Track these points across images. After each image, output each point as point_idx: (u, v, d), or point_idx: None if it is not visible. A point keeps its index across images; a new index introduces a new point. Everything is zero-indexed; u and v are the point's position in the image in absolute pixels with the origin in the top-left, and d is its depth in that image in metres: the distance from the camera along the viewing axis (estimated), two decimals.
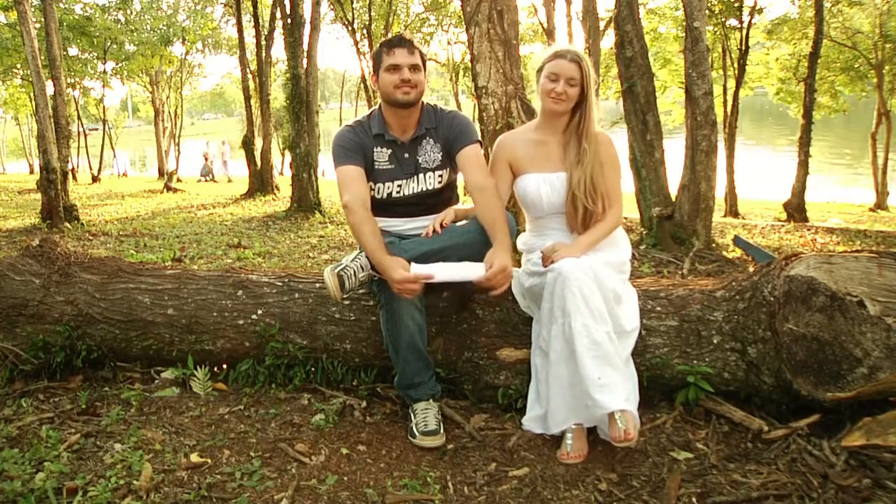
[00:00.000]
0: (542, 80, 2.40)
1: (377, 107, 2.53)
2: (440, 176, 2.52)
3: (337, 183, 2.44)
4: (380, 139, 2.48)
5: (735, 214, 13.42)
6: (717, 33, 14.23)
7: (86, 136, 23.69)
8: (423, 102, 2.52)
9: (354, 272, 2.33)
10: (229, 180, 21.75)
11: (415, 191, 2.50)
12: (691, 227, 5.82)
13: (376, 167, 2.49)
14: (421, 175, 2.50)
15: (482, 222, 2.39)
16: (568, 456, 2.15)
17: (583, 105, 2.39)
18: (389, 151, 2.49)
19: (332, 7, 18.23)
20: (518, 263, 2.60)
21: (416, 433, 2.31)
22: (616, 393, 2.05)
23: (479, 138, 2.54)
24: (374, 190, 2.50)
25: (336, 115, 34.15)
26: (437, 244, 2.39)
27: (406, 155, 2.49)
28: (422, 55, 2.47)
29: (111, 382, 2.84)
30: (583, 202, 2.37)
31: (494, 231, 2.34)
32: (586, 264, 2.19)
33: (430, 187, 2.51)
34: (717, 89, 13.80)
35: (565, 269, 2.16)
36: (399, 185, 2.50)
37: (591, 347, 2.08)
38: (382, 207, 2.52)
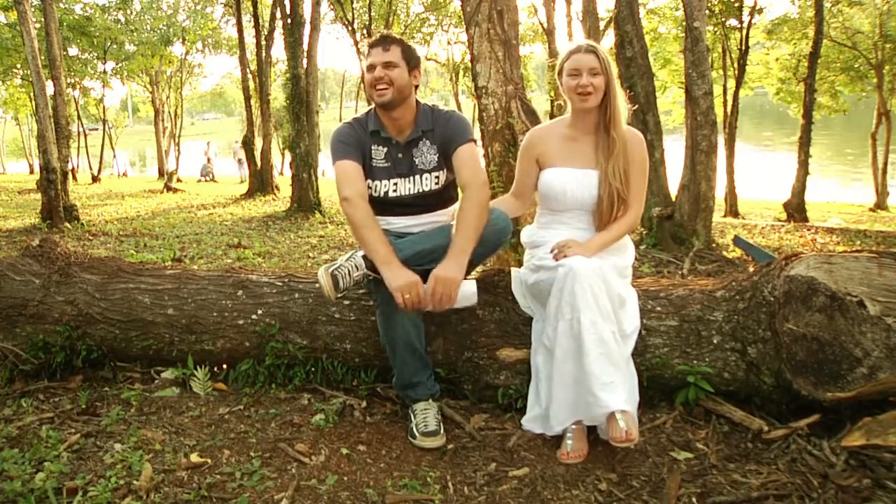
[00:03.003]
0: (564, 81, 2.38)
1: (373, 106, 2.53)
2: (436, 177, 2.51)
3: (335, 178, 2.44)
4: (376, 136, 2.48)
5: (735, 214, 13.43)
6: (717, 33, 14.24)
7: (86, 136, 23.70)
8: (418, 103, 2.50)
9: (349, 271, 2.30)
10: (242, 181, 21.49)
11: (411, 191, 2.50)
12: (691, 227, 5.83)
13: (373, 164, 2.48)
14: (417, 176, 2.49)
15: (456, 216, 2.37)
16: (568, 456, 2.15)
17: (608, 97, 2.36)
18: (385, 150, 2.48)
19: (332, 7, 18.25)
20: (518, 263, 2.60)
21: (417, 434, 2.30)
22: (618, 393, 2.05)
23: (474, 137, 2.51)
24: (371, 188, 2.50)
25: (336, 114, 34.16)
26: (430, 244, 2.38)
27: (400, 155, 2.48)
28: (404, 50, 2.41)
29: (111, 382, 2.84)
30: (619, 192, 2.36)
31: (456, 233, 2.31)
32: (596, 265, 2.20)
33: (427, 188, 2.51)
34: (717, 89, 13.81)
35: (576, 265, 2.16)
36: (395, 184, 2.49)
37: (598, 344, 2.08)
38: (380, 206, 2.52)
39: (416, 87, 2.48)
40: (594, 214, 2.43)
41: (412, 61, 2.43)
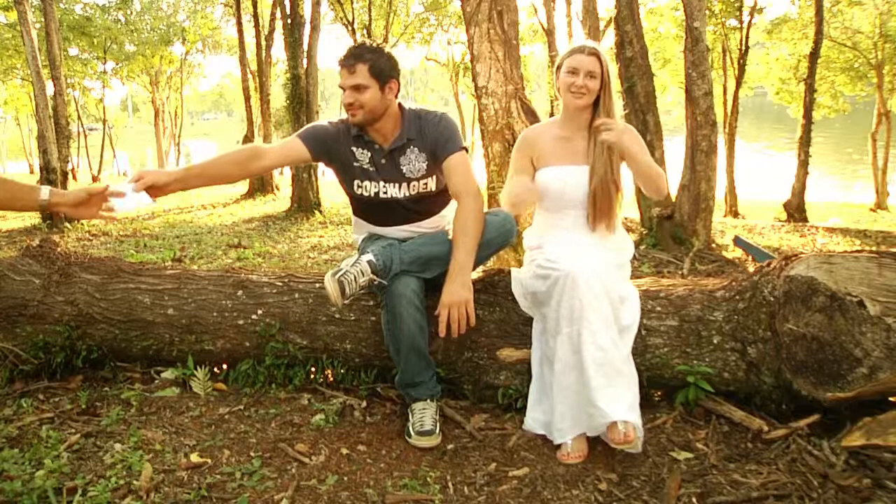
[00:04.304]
0: (562, 76, 2.39)
1: None
2: (425, 184, 2.50)
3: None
4: (359, 140, 2.47)
5: (735, 214, 13.44)
6: (717, 33, 14.25)
7: (86, 136, 23.71)
8: (403, 109, 2.46)
9: (355, 277, 2.29)
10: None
11: (400, 195, 2.49)
12: (691, 227, 5.83)
13: (358, 165, 2.48)
14: (406, 184, 2.48)
15: (453, 229, 2.38)
16: (568, 456, 2.15)
17: (603, 99, 2.38)
18: (369, 154, 2.47)
19: (332, 7, 18.23)
20: (519, 263, 2.59)
21: (412, 433, 2.30)
22: (619, 403, 2.05)
23: (465, 144, 2.49)
24: (361, 188, 2.50)
25: (336, 114, 34.13)
26: (436, 250, 2.39)
27: (384, 161, 2.46)
28: (372, 66, 2.31)
29: (111, 382, 2.84)
30: (616, 183, 2.38)
31: (457, 244, 2.33)
32: (594, 266, 2.20)
33: (416, 193, 2.51)
34: (717, 89, 13.82)
35: (575, 270, 2.15)
36: (384, 187, 2.49)
37: (597, 355, 2.08)
38: (372, 211, 2.54)
39: (397, 94, 2.42)
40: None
41: (383, 76, 2.34)
